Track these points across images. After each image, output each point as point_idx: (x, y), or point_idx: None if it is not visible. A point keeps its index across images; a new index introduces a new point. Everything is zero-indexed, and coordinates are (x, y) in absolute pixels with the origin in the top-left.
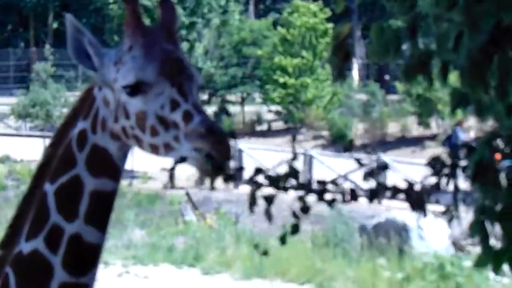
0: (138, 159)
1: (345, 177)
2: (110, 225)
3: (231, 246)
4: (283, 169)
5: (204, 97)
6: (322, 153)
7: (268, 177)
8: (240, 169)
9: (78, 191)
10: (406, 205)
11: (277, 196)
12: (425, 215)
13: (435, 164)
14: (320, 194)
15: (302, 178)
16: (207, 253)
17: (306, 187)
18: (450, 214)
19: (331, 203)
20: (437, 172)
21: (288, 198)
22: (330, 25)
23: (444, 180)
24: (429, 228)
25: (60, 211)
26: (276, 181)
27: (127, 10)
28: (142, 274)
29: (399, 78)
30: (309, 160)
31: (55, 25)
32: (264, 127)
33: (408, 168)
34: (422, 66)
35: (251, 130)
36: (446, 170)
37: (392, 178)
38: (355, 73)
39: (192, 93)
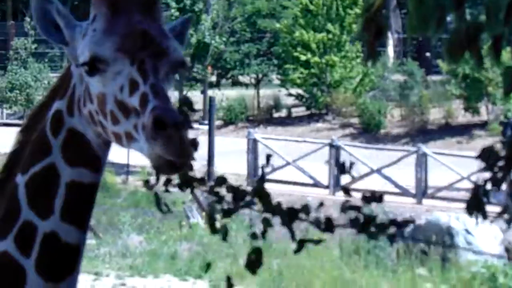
0: (134, 151)
1: (378, 172)
2: (103, 230)
3: (244, 254)
4: (306, 164)
5: (213, 78)
6: (351, 143)
7: (232, 189)
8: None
9: (53, 182)
10: (450, 205)
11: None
12: (484, 217)
13: (488, 157)
14: (290, 220)
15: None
16: (216, 262)
17: (275, 210)
18: (508, 216)
19: (300, 244)
20: (490, 167)
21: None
22: None
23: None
24: (478, 232)
25: (33, 206)
26: (241, 197)
27: None
28: (140, 286)
29: (442, 56)
30: (336, 152)
31: None
32: (283, 113)
33: (453, 161)
34: (469, 41)
35: (268, 117)
36: (500, 164)
37: (435, 173)
38: (390, 50)
39: (156, 72)
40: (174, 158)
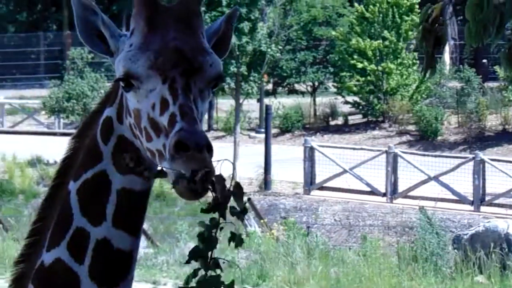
0: None
1: (435, 179)
2: (161, 238)
3: (302, 261)
4: (363, 172)
5: (269, 86)
6: (408, 151)
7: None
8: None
9: (104, 189)
10: (508, 211)
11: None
12: None
13: None
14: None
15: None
16: (274, 270)
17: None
18: None
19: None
20: None
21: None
22: (416, 0)
23: None
24: None
25: (85, 213)
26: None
27: None
28: None
29: (499, 62)
30: (393, 159)
31: None
32: (339, 121)
33: (510, 168)
34: None
35: (324, 125)
36: None
37: (492, 180)
38: (446, 57)
39: (188, 91)
40: (193, 178)
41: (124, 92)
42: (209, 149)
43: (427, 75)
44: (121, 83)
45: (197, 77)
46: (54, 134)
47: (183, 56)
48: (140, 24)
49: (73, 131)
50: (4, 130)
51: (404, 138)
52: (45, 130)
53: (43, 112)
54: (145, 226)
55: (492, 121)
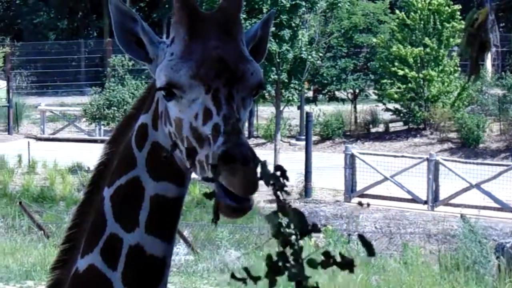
0: None
1: (477, 187)
2: (201, 245)
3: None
4: (404, 179)
5: (309, 93)
6: (449, 158)
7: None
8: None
9: (137, 195)
10: None
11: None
12: None
13: None
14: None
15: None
16: (314, 279)
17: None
18: None
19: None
20: None
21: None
22: (457, 7)
23: None
24: None
25: (118, 219)
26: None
27: None
28: None
29: None
30: (434, 167)
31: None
32: (380, 128)
33: None
34: None
35: (365, 132)
36: None
37: None
38: (488, 64)
39: (231, 100)
40: (237, 191)
41: (166, 101)
42: (256, 161)
43: (471, 80)
44: (163, 92)
45: (239, 86)
46: (95, 141)
47: (225, 65)
48: (180, 33)
49: None
50: (45, 137)
51: (446, 145)
52: (86, 137)
53: (84, 119)
54: (185, 233)
55: None
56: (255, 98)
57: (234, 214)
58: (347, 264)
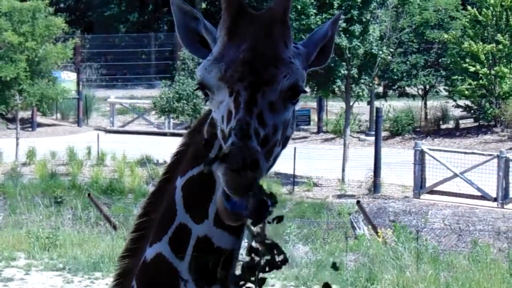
0: (300, 162)
1: None
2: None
3: (410, 265)
4: (473, 176)
5: (379, 89)
6: None
7: None
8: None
9: (208, 187)
10: None
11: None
12: None
13: None
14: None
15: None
16: (382, 274)
17: None
18: None
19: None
20: None
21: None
22: None
23: None
24: None
25: (188, 209)
26: None
27: None
28: None
29: None
30: (504, 164)
31: (203, 5)
32: (450, 125)
33: None
34: None
35: (435, 129)
36: None
37: None
38: None
39: (252, 104)
40: (228, 190)
41: (206, 100)
42: (254, 167)
43: None
44: (201, 91)
45: (266, 89)
46: (164, 134)
47: (250, 69)
48: (221, 33)
49: (183, 131)
50: (115, 130)
51: None
52: (155, 130)
53: (153, 112)
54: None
55: None
56: (295, 102)
57: (227, 218)
58: None
